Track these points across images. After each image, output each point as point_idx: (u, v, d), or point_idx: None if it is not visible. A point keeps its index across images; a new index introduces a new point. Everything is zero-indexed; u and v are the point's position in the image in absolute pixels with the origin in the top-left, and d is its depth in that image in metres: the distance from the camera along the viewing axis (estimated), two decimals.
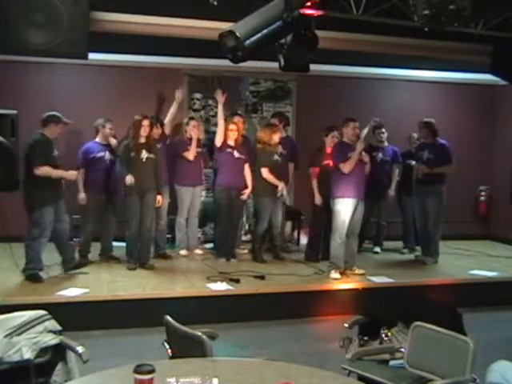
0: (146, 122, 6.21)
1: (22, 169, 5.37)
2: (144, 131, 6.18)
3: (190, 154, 6.88)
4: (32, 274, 5.58)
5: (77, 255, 6.36)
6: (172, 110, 6.90)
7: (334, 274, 6.12)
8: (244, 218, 7.60)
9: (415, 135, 7.68)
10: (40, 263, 5.68)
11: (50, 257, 6.71)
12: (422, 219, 7.10)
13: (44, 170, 5.44)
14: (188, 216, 7.10)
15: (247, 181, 6.82)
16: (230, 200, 6.73)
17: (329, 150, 6.77)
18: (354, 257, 6.41)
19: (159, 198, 6.39)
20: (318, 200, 6.83)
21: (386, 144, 7.60)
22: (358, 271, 6.33)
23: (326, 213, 6.52)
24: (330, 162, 6.57)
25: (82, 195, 6.45)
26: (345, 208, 6.03)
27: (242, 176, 6.80)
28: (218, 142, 6.72)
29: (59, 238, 5.78)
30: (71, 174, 5.69)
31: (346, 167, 5.99)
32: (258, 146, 6.90)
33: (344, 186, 6.03)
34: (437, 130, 7.05)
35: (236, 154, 6.72)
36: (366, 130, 6.34)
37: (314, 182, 6.89)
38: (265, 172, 6.77)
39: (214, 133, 7.95)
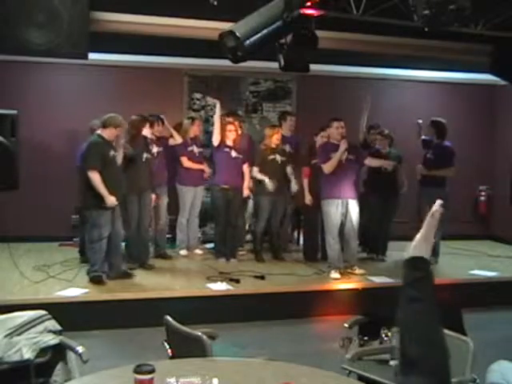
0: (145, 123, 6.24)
1: (21, 168, 5.37)
2: (145, 132, 6.21)
3: (185, 162, 6.91)
4: (96, 276, 5.56)
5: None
6: (176, 137, 6.90)
7: (334, 274, 6.13)
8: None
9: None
10: (103, 265, 5.66)
11: (50, 256, 6.73)
12: (420, 220, 7.04)
13: (93, 176, 5.37)
14: (189, 216, 7.11)
15: (245, 180, 6.85)
16: (227, 200, 6.73)
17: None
18: (354, 257, 6.42)
19: (154, 197, 6.40)
20: (308, 200, 6.84)
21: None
22: (358, 271, 6.33)
23: (319, 212, 6.58)
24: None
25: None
26: (332, 209, 6.05)
27: (240, 175, 6.81)
28: (215, 141, 6.73)
29: (108, 241, 5.64)
30: (111, 200, 5.43)
31: (326, 167, 6.02)
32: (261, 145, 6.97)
33: (330, 186, 6.06)
34: (444, 130, 6.92)
35: (233, 153, 6.73)
36: (365, 116, 6.29)
37: (305, 182, 6.90)
38: (254, 171, 6.83)
39: None
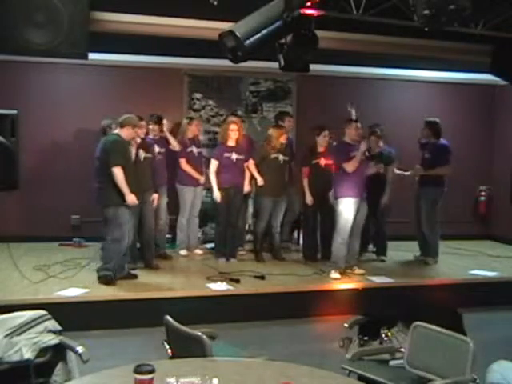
0: (142, 123, 6.25)
1: (21, 168, 5.36)
2: (141, 132, 6.21)
3: (183, 165, 6.91)
4: (106, 275, 5.53)
5: None
6: (174, 144, 6.86)
7: (334, 274, 6.12)
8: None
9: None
10: (116, 266, 5.61)
11: (50, 257, 6.74)
12: (418, 220, 7.04)
13: (117, 172, 5.37)
14: (189, 216, 7.10)
15: (246, 179, 6.85)
16: (228, 200, 6.73)
17: (321, 149, 6.84)
18: (355, 257, 6.41)
19: (155, 196, 6.38)
20: (308, 200, 6.85)
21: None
22: (358, 271, 6.33)
23: (317, 212, 6.56)
24: (321, 161, 6.66)
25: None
26: (347, 208, 6.02)
27: (241, 176, 6.82)
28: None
29: None
30: (132, 199, 5.46)
31: (349, 166, 5.99)
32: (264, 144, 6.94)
33: (346, 185, 6.03)
34: (439, 130, 6.95)
35: (234, 155, 6.71)
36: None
37: (305, 182, 6.90)
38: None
39: (215, 133, 8.00)
